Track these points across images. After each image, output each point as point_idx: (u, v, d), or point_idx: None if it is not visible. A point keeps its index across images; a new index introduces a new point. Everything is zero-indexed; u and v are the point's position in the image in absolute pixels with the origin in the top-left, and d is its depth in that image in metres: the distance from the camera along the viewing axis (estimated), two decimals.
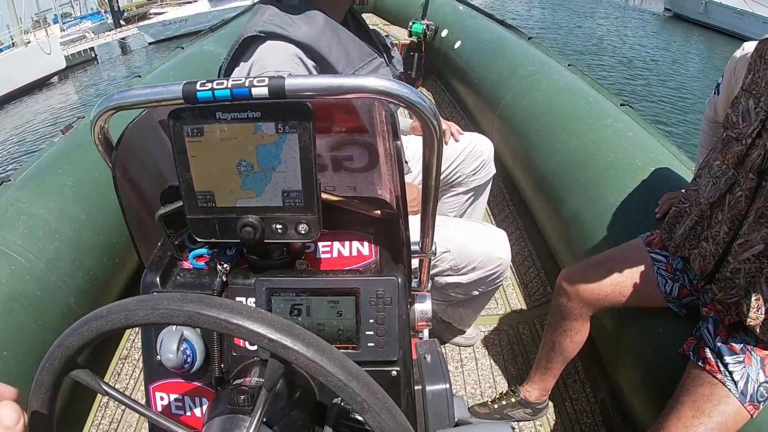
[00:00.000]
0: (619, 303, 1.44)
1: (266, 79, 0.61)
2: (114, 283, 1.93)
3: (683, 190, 1.44)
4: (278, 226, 0.70)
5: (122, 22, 26.56)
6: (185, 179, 0.69)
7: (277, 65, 1.29)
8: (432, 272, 1.59)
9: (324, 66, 1.34)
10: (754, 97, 1.18)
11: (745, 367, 1.16)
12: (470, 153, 1.95)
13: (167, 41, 21.56)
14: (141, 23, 23.87)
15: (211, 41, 3.84)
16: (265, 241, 0.71)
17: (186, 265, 0.81)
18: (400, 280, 0.73)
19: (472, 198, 2.06)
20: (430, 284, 0.99)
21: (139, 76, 3.05)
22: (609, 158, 1.94)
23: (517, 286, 2.32)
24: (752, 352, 1.17)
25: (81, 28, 25.11)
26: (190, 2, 26.07)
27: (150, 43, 22.47)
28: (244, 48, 1.35)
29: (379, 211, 0.81)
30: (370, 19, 6.13)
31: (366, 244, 0.80)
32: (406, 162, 1.86)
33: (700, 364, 1.21)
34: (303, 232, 0.70)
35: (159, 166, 0.83)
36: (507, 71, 2.95)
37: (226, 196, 0.69)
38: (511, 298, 2.26)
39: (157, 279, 0.77)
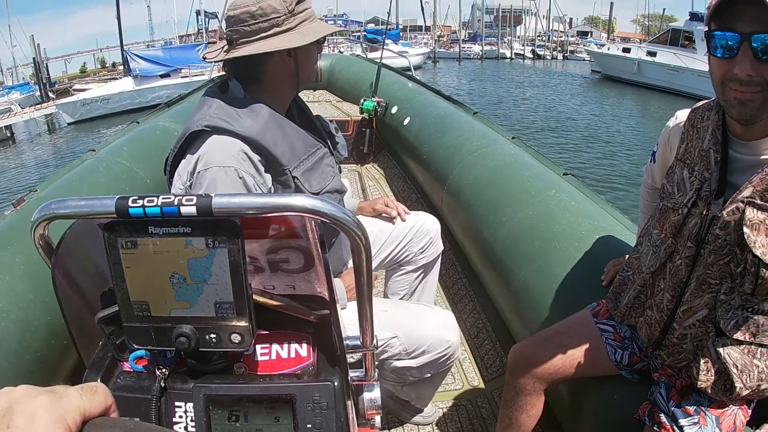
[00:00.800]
0: (571, 375, 1.45)
1: (194, 198, 0.65)
2: (62, 367, 1.84)
3: (626, 257, 1.49)
4: (212, 336, 0.72)
5: (52, 95, 24.57)
6: (121, 289, 0.71)
7: (223, 160, 1.31)
8: (383, 357, 1.58)
9: (269, 159, 1.38)
10: (688, 166, 1.23)
11: (700, 428, 1.19)
12: (417, 232, 1.98)
13: (88, 122, 19.30)
14: (60, 100, 20.80)
15: (166, 117, 3.84)
16: (200, 349, 0.72)
17: (126, 366, 0.81)
18: (336, 383, 0.74)
19: (422, 275, 2.08)
20: (377, 372, 0.99)
21: (94, 150, 3.01)
22: (554, 229, 1.99)
23: (474, 359, 2.31)
24: (706, 412, 1.20)
25: (9, 99, 22.15)
26: (115, 78, 24.32)
27: (69, 123, 19.59)
28: (191, 141, 1.37)
29: (313, 317, 0.82)
30: (324, 96, 6.31)
31: (304, 345, 0.81)
32: None
33: (655, 429, 1.24)
34: (236, 341, 0.72)
35: (100, 267, 0.83)
36: (454, 146, 3.05)
37: (161, 307, 0.71)
38: (468, 372, 2.25)
39: (98, 380, 0.77)
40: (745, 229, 1.06)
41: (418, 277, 2.07)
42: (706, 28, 1.08)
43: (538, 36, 56.87)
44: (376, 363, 1.81)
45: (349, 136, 4.94)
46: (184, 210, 0.65)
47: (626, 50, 31.53)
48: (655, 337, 1.27)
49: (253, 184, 1.34)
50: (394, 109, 4.42)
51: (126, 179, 2.70)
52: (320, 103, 5.88)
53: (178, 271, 0.69)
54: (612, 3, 54.96)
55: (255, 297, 0.76)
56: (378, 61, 5.21)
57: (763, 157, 1.10)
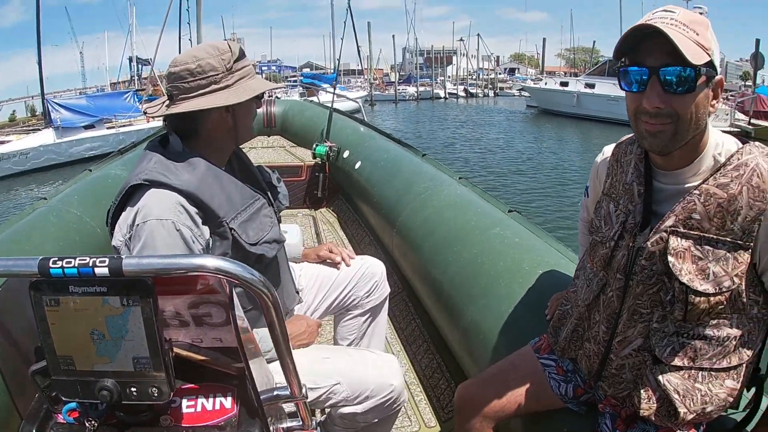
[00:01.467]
0: (518, 412, 1.45)
1: (107, 260, 0.70)
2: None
3: (566, 291, 1.51)
4: (133, 389, 0.76)
5: None
6: (47, 344, 0.76)
7: (160, 213, 1.33)
8: (328, 404, 1.58)
9: (207, 212, 1.40)
10: (613, 200, 1.27)
11: None
12: (362, 276, 2.00)
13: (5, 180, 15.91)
14: None
15: (118, 165, 3.80)
16: (123, 402, 0.76)
17: (60, 418, 0.84)
18: None
19: (370, 319, 2.09)
20: (314, 420, 1.00)
21: (45, 198, 2.96)
22: (498, 267, 2.03)
23: (429, 400, 2.30)
24: None
25: None
26: (37, 129, 19.89)
27: None
28: (131, 195, 1.39)
29: (234, 370, 0.84)
30: (278, 142, 6.34)
31: (229, 397, 0.83)
32: (300, 291, 1.89)
33: None
34: (155, 394, 0.76)
35: (32, 322, 0.85)
36: (403, 189, 3.10)
37: (84, 361, 0.76)
38: (424, 413, 2.24)
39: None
40: (670, 258, 1.10)
41: (366, 321, 2.08)
42: (618, 64, 1.13)
43: (469, 75, 58.30)
44: (327, 410, 1.81)
45: (303, 181, 4.97)
46: (98, 271, 0.69)
47: (564, 84, 32.46)
48: (594, 369, 1.29)
49: (191, 237, 1.35)
50: (346, 153, 4.48)
51: (76, 229, 2.66)
52: (274, 149, 5.91)
53: (97, 328, 0.73)
54: (544, 39, 57.78)
55: (178, 351, 0.79)
56: (330, 106, 5.30)
57: (686, 185, 1.13)
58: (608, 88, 26.54)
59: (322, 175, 4.80)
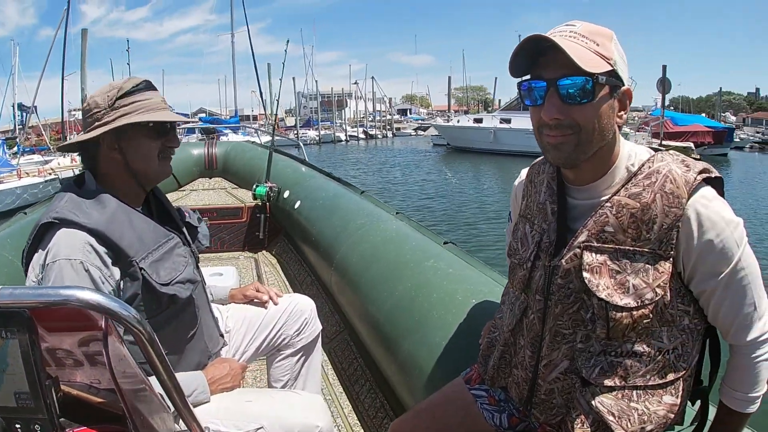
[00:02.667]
0: None
1: None
2: None
3: (494, 318, 1.49)
4: (18, 425, 0.73)
5: None
6: None
7: (69, 253, 1.31)
8: None
9: (116, 251, 1.38)
10: (529, 221, 1.27)
11: None
12: (291, 314, 1.98)
13: None
14: None
15: None
16: None
17: None
18: None
19: (303, 358, 2.05)
20: None
21: None
22: (432, 299, 2.03)
23: None
24: None
25: None
26: None
27: None
28: (43, 234, 1.37)
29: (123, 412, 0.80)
30: (219, 183, 6.27)
31: None
32: (226, 332, 1.84)
33: None
34: (37, 431, 0.72)
35: None
36: (340, 226, 3.10)
37: None
38: None
39: None
40: (585, 274, 1.08)
41: (299, 361, 2.04)
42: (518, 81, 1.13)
43: (364, 117, 58.99)
44: None
45: (244, 223, 4.90)
46: None
47: (478, 120, 33.39)
48: (525, 396, 1.26)
49: (99, 277, 1.34)
50: (286, 194, 4.46)
51: (7, 272, 2.58)
52: (215, 191, 5.83)
53: None
54: (449, 77, 59.65)
55: (68, 390, 0.75)
56: (270, 146, 5.28)
57: (601, 198, 1.12)
58: (525, 122, 27.77)
59: (263, 216, 4.74)
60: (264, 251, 4.79)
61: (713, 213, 1.04)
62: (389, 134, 56.02)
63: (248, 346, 1.91)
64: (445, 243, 2.54)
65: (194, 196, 5.53)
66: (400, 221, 2.95)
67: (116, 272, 1.38)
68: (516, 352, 1.29)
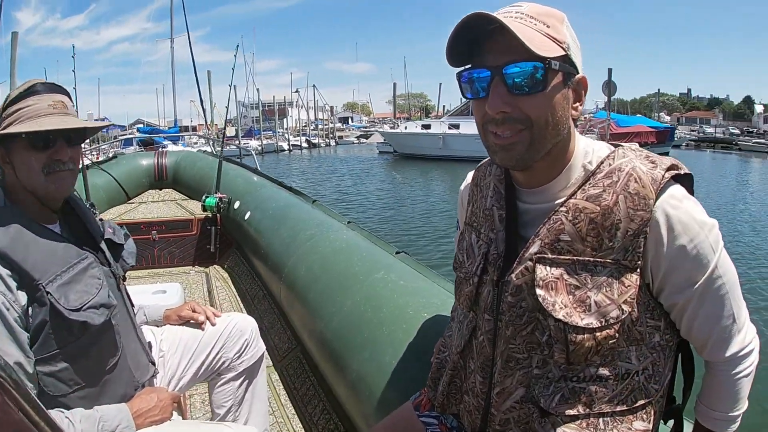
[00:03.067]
0: None
1: None
2: None
3: (443, 336, 1.34)
4: None
5: None
6: None
7: None
8: None
9: (21, 274, 1.23)
10: (475, 230, 1.12)
11: None
12: (230, 335, 1.83)
13: None
14: None
15: None
16: None
17: None
18: None
19: (246, 382, 1.90)
20: None
21: None
22: (381, 314, 1.90)
23: None
24: None
25: None
26: None
27: None
28: None
29: None
30: (170, 195, 6.05)
31: None
32: (160, 357, 1.70)
33: None
34: None
35: None
36: (289, 237, 2.96)
37: None
38: None
39: None
40: (539, 291, 0.93)
41: (242, 385, 1.89)
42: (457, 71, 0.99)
43: (305, 126, 57.81)
44: None
45: (194, 236, 4.71)
46: None
47: (426, 126, 33.24)
48: (477, 426, 1.10)
49: (3, 303, 1.19)
50: (236, 204, 4.30)
51: None
52: (165, 203, 5.61)
53: None
54: (395, 84, 58.03)
55: None
56: (219, 155, 5.10)
57: (556, 201, 0.98)
58: (474, 127, 28.56)
59: (213, 228, 4.56)
60: (215, 265, 4.60)
61: (685, 215, 0.90)
62: (332, 143, 55.14)
63: (185, 371, 1.76)
64: (397, 253, 2.42)
65: (143, 209, 5.30)
66: (352, 231, 2.82)
67: (22, 297, 1.23)
68: (466, 377, 1.13)
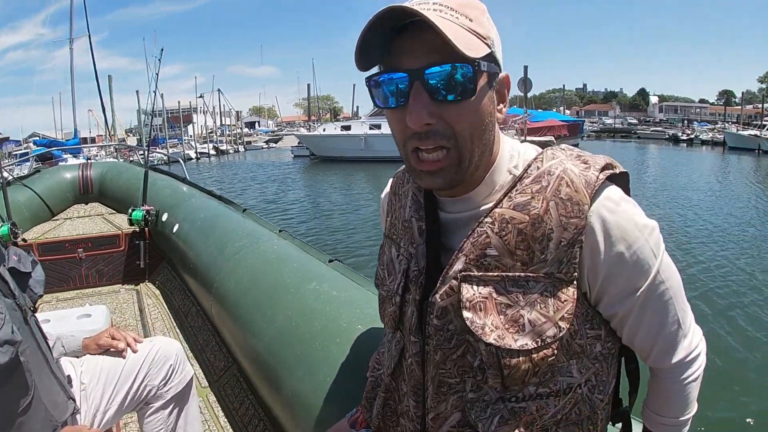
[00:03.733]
0: None
1: None
2: None
3: (377, 351, 1.26)
4: None
5: None
6: None
7: None
8: None
9: None
10: (394, 243, 1.02)
11: None
12: (154, 361, 1.73)
13: None
14: None
15: None
16: None
17: None
18: None
19: (177, 409, 1.80)
20: None
21: None
22: (314, 328, 1.82)
23: None
24: None
25: None
26: None
27: None
28: None
29: None
30: (96, 209, 5.75)
31: None
32: (81, 390, 1.58)
33: None
34: None
35: None
36: (218, 249, 2.84)
37: None
38: None
39: None
40: (466, 314, 0.84)
41: (173, 413, 1.79)
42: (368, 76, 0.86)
43: (211, 132, 54.76)
44: None
45: (122, 252, 4.48)
46: None
47: (346, 128, 32.70)
48: None
49: None
50: (164, 216, 4.11)
51: None
52: (91, 218, 5.31)
53: None
54: (309, 85, 58.09)
55: None
56: (145, 165, 4.87)
57: (483, 207, 0.89)
58: None
59: (142, 243, 4.34)
60: (146, 282, 4.39)
61: (622, 218, 0.82)
62: (240, 149, 53.19)
63: (109, 403, 1.64)
64: (330, 261, 2.34)
65: (68, 226, 4.99)
66: (283, 240, 2.72)
67: None
68: (400, 399, 1.04)
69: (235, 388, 2.56)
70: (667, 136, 59.73)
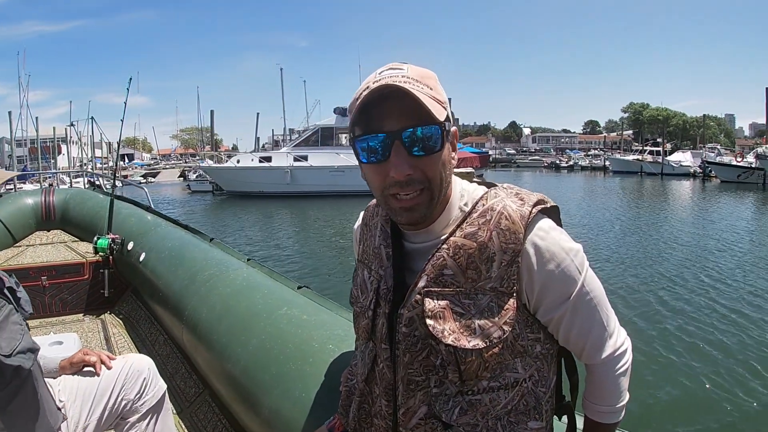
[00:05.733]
0: None
1: None
2: None
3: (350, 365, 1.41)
4: None
5: None
6: None
7: None
8: None
9: None
10: (366, 266, 1.22)
11: None
12: (128, 376, 1.84)
13: None
14: None
15: None
16: None
17: None
18: None
19: (153, 421, 1.90)
20: None
21: None
22: (288, 350, 1.94)
23: None
24: None
25: None
26: None
27: None
28: None
29: None
30: (58, 237, 5.67)
31: None
32: (59, 408, 1.66)
33: None
34: None
35: None
36: (188, 278, 2.91)
37: None
38: None
39: None
40: (429, 321, 1.04)
41: (149, 426, 1.89)
42: (351, 135, 1.05)
43: (82, 164, 47.08)
44: None
45: (86, 281, 4.47)
46: None
47: (266, 159, 28.72)
48: None
49: None
50: (130, 245, 4.12)
51: None
52: (54, 245, 5.24)
53: None
54: (212, 111, 55.30)
55: None
56: (111, 193, 4.88)
57: (438, 239, 1.08)
58: (327, 158, 25.39)
59: (106, 271, 4.34)
60: (111, 311, 4.39)
61: (551, 244, 1.04)
62: (119, 184, 47.49)
63: (88, 419, 1.74)
64: (299, 288, 2.46)
65: (31, 253, 4.92)
66: (252, 268, 2.83)
67: None
68: (373, 401, 1.23)
69: (207, 413, 2.64)
70: (545, 164, 66.38)
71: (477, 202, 1.08)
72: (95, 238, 4.37)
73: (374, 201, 1.25)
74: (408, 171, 0.99)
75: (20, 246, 5.32)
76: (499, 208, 1.04)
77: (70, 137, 44.24)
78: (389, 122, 0.99)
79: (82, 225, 5.52)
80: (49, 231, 5.87)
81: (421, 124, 0.98)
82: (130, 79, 5.00)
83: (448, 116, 1.02)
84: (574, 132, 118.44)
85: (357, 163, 1.09)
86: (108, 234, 4.41)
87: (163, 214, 4.78)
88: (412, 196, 1.02)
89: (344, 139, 25.80)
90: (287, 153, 28.29)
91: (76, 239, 5.52)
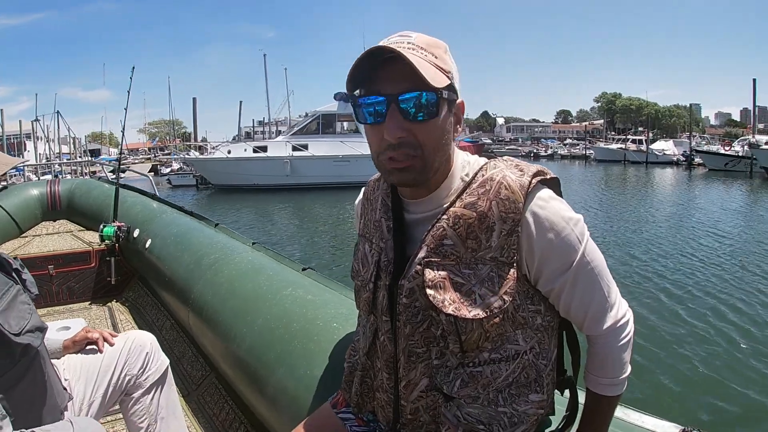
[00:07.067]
0: None
1: None
2: None
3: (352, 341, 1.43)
4: None
5: None
6: None
7: None
8: None
9: None
10: (368, 240, 1.22)
11: None
12: (131, 351, 1.87)
13: None
14: None
15: None
16: None
17: None
18: None
19: (157, 395, 1.94)
20: None
21: None
22: (292, 329, 1.96)
23: None
24: None
25: None
26: None
27: None
28: None
29: None
30: (64, 226, 5.71)
31: None
32: (65, 388, 1.69)
33: None
34: None
35: None
36: (194, 262, 2.93)
37: None
38: None
39: None
40: (429, 291, 1.04)
41: (153, 400, 1.92)
42: (351, 96, 1.06)
43: (49, 161, 39.29)
44: None
45: (93, 269, 4.50)
46: None
47: (262, 149, 26.17)
48: (391, 418, 1.21)
49: None
50: (136, 233, 4.15)
51: None
52: (60, 235, 5.29)
53: None
54: (194, 98, 52.42)
55: None
56: (115, 182, 4.91)
57: (438, 209, 1.09)
58: (329, 147, 23.73)
59: (113, 259, 4.38)
60: (118, 298, 4.43)
61: (551, 213, 1.04)
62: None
63: (93, 396, 1.77)
64: (304, 269, 2.48)
65: (38, 243, 4.97)
66: (257, 252, 2.85)
67: None
68: (375, 375, 1.24)
69: (214, 395, 2.67)
70: (522, 154, 66.15)
71: (477, 173, 1.09)
72: (101, 226, 4.40)
73: (376, 175, 1.26)
74: (400, 134, 1.00)
75: (27, 236, 5.36)
76: (499, 178, 1.05)
77: (35, 132, 41.71)
78: (389, 85, 1.00)
79: (88, 214, 5.55)
80: (55, 221, 5.91)
81: (417, 90, 0.98)
82: (133, 68, 4.99)
83: (451, 86, 1.03)
84: (544, 122, 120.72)
85: (363, 152, 1.09)
86: (114, 222, 4.43)
87: (168, 201, 4.80)
88: (403, 159, 1.03)
89: (347, 126, 24.88)
90: (285, 142, 25.88)
91: (82, 228, 5.56)
